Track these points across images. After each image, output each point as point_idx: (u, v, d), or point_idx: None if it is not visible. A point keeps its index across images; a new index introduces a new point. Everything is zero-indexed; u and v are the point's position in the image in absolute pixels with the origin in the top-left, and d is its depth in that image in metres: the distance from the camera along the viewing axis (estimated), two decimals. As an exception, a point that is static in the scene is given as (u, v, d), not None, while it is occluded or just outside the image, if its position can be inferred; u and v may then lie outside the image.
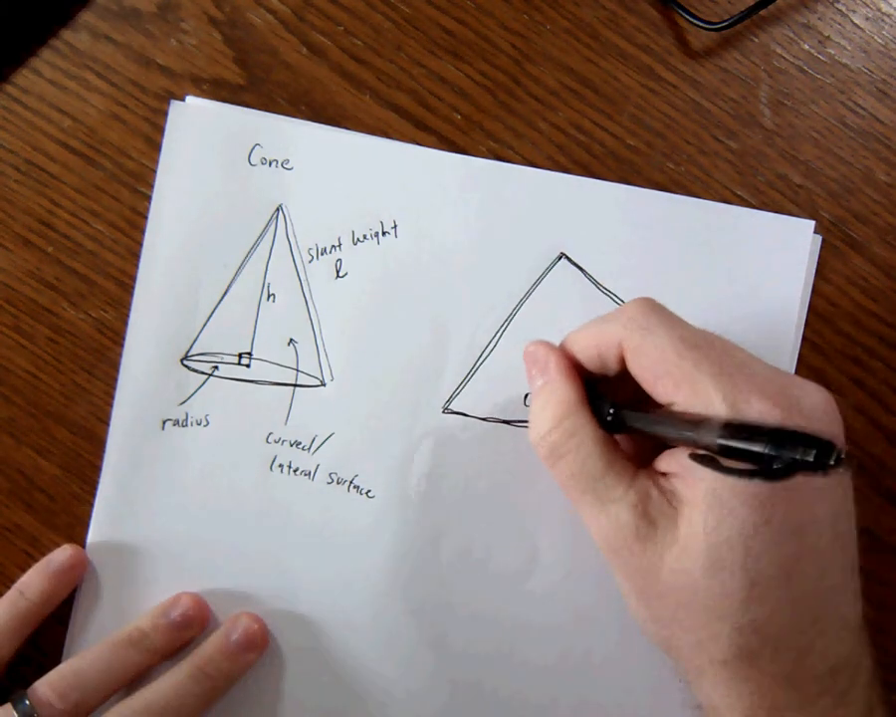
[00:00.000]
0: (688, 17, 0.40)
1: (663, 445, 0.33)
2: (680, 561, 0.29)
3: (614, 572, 0.32)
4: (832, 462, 0.24)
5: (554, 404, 0.33)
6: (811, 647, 0.29)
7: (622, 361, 0.32)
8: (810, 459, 0.24)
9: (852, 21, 0.40)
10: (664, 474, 0.31)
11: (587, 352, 0.33)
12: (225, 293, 0.40)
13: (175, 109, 0.41)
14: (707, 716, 0.32)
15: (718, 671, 0.30)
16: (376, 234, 0.40)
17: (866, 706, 0.30)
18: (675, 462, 0.31)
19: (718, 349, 0.30)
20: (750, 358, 0.31)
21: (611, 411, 0.32)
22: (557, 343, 0.35)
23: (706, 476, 0.29)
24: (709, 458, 0.26)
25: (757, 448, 0.25)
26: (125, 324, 0.40)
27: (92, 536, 0.40)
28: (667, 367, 0.30)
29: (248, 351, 0.40)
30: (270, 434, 0.40)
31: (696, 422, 0.28)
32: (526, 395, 0.40)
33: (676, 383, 0.30)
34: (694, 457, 0.27)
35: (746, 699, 0.30)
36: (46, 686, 0.36)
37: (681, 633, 0.30)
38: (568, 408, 0.32)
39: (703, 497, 0.29)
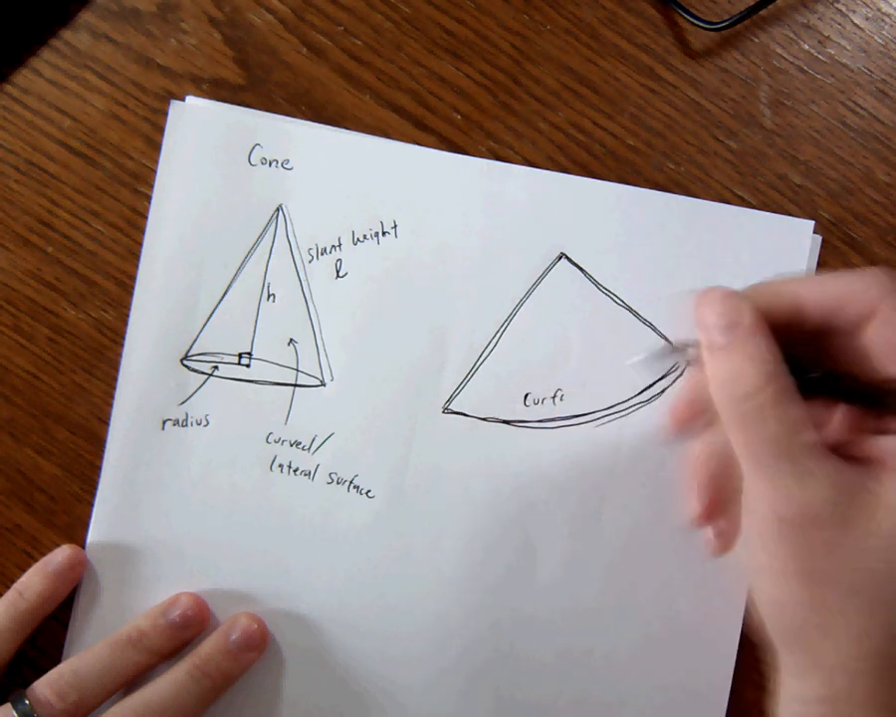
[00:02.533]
0: (688, 17, 0.40)
1: (848, 427, 0.32)
2: (874, 543, 0.28)
3: (775, 548, 0.30)
4: None
5: (759, 361, 0.30)
6: None
7: (857, 325, 0.30)
8: None
9: (852, 21, 0.40)
10: (856, 458, 0.30)
11: (823, 305, 0.31)
12: (225, 293, 0.40)
13: (175, 109, 0.41)
14: (818, 712, 0.30)
15: (869, 661, 0.29)
16: (376, 234, 0.40)
17: None
18: (876, 447, 0.30)
19: None
20: None
21: (816, 375, 0.30)
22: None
23: None
24: None
25: None
26: (125, 324, 0.40)
27: (92, 536, 0.40)
28: None
29: (248, 350, 0.40)
30: (270, 434, 0.40)
31: None
32: (526, 395, 0.40)
33: None
34: None
35: (889, 688, 0.29)
36: (45, 686, 0.36)
37: (842, 620, 0.29)
38: (776, 366, 0.30)
39: None
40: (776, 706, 0.31)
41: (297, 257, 0.40)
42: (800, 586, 0.30)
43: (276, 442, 0.40)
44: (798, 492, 0.29)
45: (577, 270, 0.40)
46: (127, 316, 0.40)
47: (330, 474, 0.40)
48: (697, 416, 0.34)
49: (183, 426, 0.40)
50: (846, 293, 0.30)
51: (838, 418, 0.33)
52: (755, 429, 0.30)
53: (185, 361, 0.40)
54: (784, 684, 0.31)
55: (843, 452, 0.30)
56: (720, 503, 0.34)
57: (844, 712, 0.29)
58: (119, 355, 0.40)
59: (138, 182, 0.41)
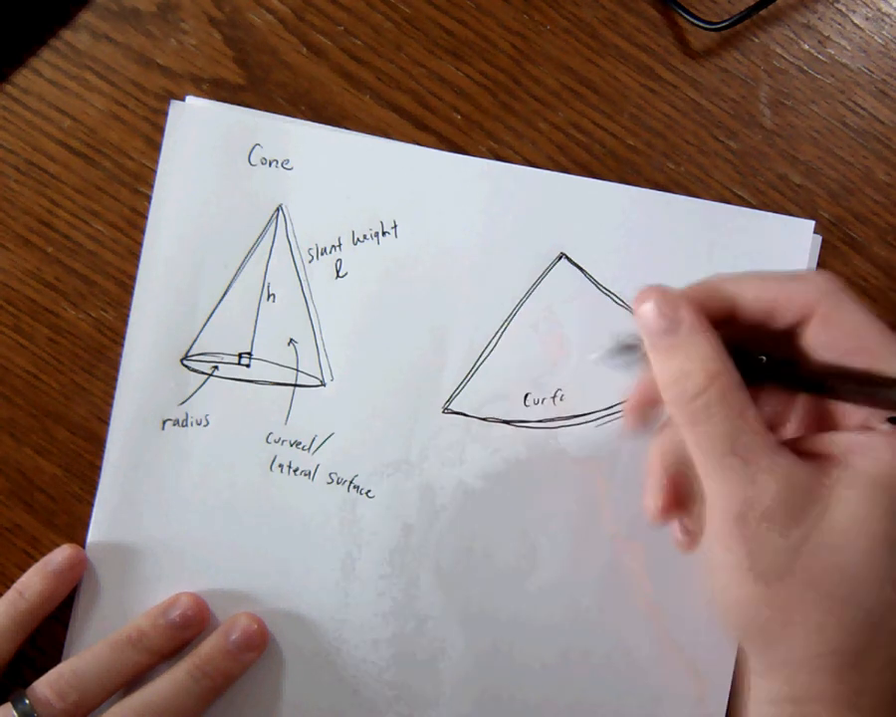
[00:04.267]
0: (688, 17, 0.40)
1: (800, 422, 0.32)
2: (829, 539, 0.28)
3: (732, 547, 0.30)
4: None
5: (702, 359, 0.30)
6: None
7: (796, 324, 0.31)
8: None
9: (852, 21, 0.40)
10: (810, 454, 0.30)
11: (760, 303, 0.31)
12: (225, 293, 0.40)
13: (175, 109, 0.41)
14: (785, 711, 0.30)
15: (831, 659, 0.29)
16: (376, 234, 0.40)
17: None
18: (827, 442, 0.30)
19: None
20: None
21: (763, 359, 0.31)
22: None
23: (872, 456, 0.29)
24: None
25: None
26: (125, 324, 0.40)
27: (92, 536, 0.40)
28: (863, 343, 0.29)
29: (248, 351, 0.40)
30: (270, 434, 0.40)
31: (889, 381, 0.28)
32: (526, 395, 0.40)
33: (874, 357, 0.29)
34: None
35: (852, 688, 0.29)
36: (45, 686, 0.36)
37: (802, 617, 0.29)
38: (720, 365, 0.30)
39: (868, 477, 0.28)
40: (745, 708, 0.31)
41: (297, 257, 0.40)
42: (756, 583, 0.29)
43: (276, 442, 0.40)
44: (749, 488, 0.29)
45: (577, 270, 0.40)
46: (127, 316, 0.40)
47: (330, 474, 0.40)
48: (652, 412, 0.34)
49: (183, 426, 0.40)
50: (783, 295, 0.31)
51: (792, 415, 0.33)
52: (703, 427, 0.30)
53: (185, 361, 0.40)
54: (753, 685, 0.31)
55: (798, 449, 0.30)
56: (679, 500, 0.34)
57: (810, 711, 0.29)
58: (119, 355, 0.40)
59: (138, 182, 0.41)
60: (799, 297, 0.31)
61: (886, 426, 0.30)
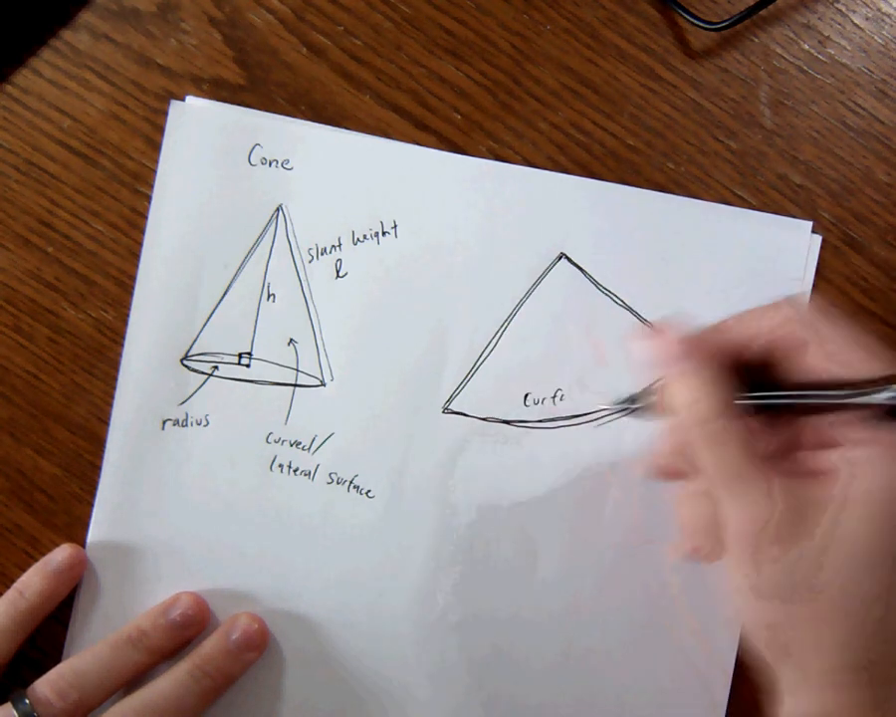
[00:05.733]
0: (688, 17, 0.40)
1: (791, 448, 0.33)
2: (828, 559, 0.29)
3: (741, 569, 0.31)
4: None
5: (717, 389, 0.32)
6: None
7: (778, 354, 0.32)
8: None
9: (852, 21, 0.40)
10: (803, 473, 0.31)
11: (740, 339, 0.33)
12: (225, 293, 0.40)
13: (175, 109, 0.41)
14: None
15: (839, 676, 0.29)
16: (376, 234, 0.40)
17: None
18: (823, 461, 0.31)
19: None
20: None
21: (756, 387, 0.32)
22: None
23: (865, 474, 0.29)
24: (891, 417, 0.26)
25: None
26: (125, 324, 0.40)
27: (92, 536, 0.40)
28: (847, 363, 0.30)
29: (248, 350, 0.40)
30: (270, 434, 0.40)
31: (874, 381, 0.28)
32: (526, 395, 0.40)
33: (853, 372, 0.30)
34: (873, 418, 0.27)
35: (862, 705, 0.29)
36: (45, 685, 0.36)
37: (805, 636, 0.30)
38: (723, 393, 0.32)
39: (863, 495, 0.29)
40: None
41: (297, 257, 0.40)
42: (773, 602, 0.30)
43: (276, 442, 0.40)
44: (755, 510, 0.30)
45: (577, 270, 0.40)
46: (127, 316, 0.40)
47: (330, 474, 0.40)
48: (678, 466, 0.36)
49: (183, 426, 0.40)
50: (762, 327, 0.32)
51: (790, 435, 0.34)
52: (716, 452, 0.31)
53: (185, 361, 0.40)
54: (784, 702, 0.31)
55: (802, 469, 0.31)
56: (706, 538, 0.35)
57: None
58: (119, 355, 0.40)
59: (138, 182, 0.41)
60: (774, 327, 0.32)
61: (872, 434, 0.30)
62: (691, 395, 0.32)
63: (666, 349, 0.33)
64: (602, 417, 0.40)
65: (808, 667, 0.30)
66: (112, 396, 0.40)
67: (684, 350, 0.33)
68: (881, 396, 0.28)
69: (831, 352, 0.31)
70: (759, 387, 0.33)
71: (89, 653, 0.38)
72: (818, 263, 0.40)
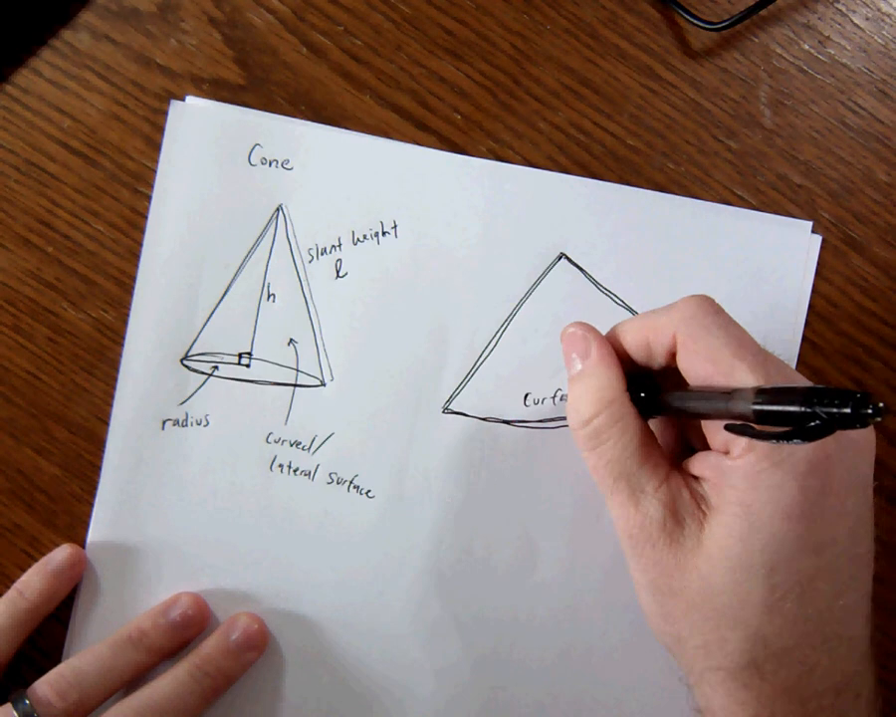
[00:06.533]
0: (688, 17, 0.40)
1: (694, 448, 0.33)
2: (702, 564, 0.30)
3: (631, 564, 0.32)
4: (870, 412, 0.23)
5: (597, 389, 0.32)
6: (818, 664, 0.29)
7: (671, 355, 0.32)
8: (848, 411, 0.23)
9: (852, 21, 0.40)
10: (695, 477, 0.32)
11: (637, 341, 0.33)
12: (225, 293, 0.40)
13: (175, 109, 0.41)
14: None
15: (720, 677, 0.30)
16: (376, 234, 0.40)
17: None
18: (707, 466, 0.31)
19: (771, 358, 0.30)
20: (796, 374, 0.32)
21: (646, 389, 0.33)
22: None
23: (737, 484, 0.29)
24: (745, 427, 0.26)
25: (793, 408, 0.24)
26: (125, 324, 0.40)
27: (92, 536, 0.40)
28: (718, 366, 0.30)
29: (248, 351, 0.40)
30: (270, 434, 0.40)
31: (730, 393, 0.28)
32: (526, 395, 0.40)
33: (727, 378, 0.30)
34: (730, 428, 0.26)
35: (746, 708, 0.30)
36: (45, 685, 0.36)
37: (688, 634, 0.31)
38: (613, 394, 0.32)
39: (734, 505, 0.29)
40: None
41: (297, 257, 0.40)
42: (652, 599, 0.32)
43: (276, 442, 0.40)
44: (634, 512, 0.31)
45: (577, 270, 0.40)
46: (127, 316, 0.40)
47: (330, 474, 0.40)
48: None
49: (183, 426, 0.40)
50: (651, 330, 0.32)
51: (679, 437, 0.35)
52: (596, 452, 0.32)
53: (185, 361, 0.40)
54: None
55: (689, 471, 0.32)
56: None
57: None
58: (119, 355, 0.40)
59: (138, 182, 0.41)
60: (666, 327, 0.32)
61: (738, 443, 0.30)
62: (578, 396, 0.33)
63: (570, 348, 0.34)
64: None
65: (688, 663, 0.31)
66: (112, 396, 0.40)
67: (584, 349, 0.33)
68: (734, 407, 0.27)
69: (700, 356, 0.31)
70: (655, 390, 0.33)
71: (89, 653, 0.38)
72: (818, 263, 0.40)
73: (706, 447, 0.32)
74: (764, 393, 0.26)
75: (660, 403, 0.33)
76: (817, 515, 0.29)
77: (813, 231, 0.40)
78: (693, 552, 0.30)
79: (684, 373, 0.31)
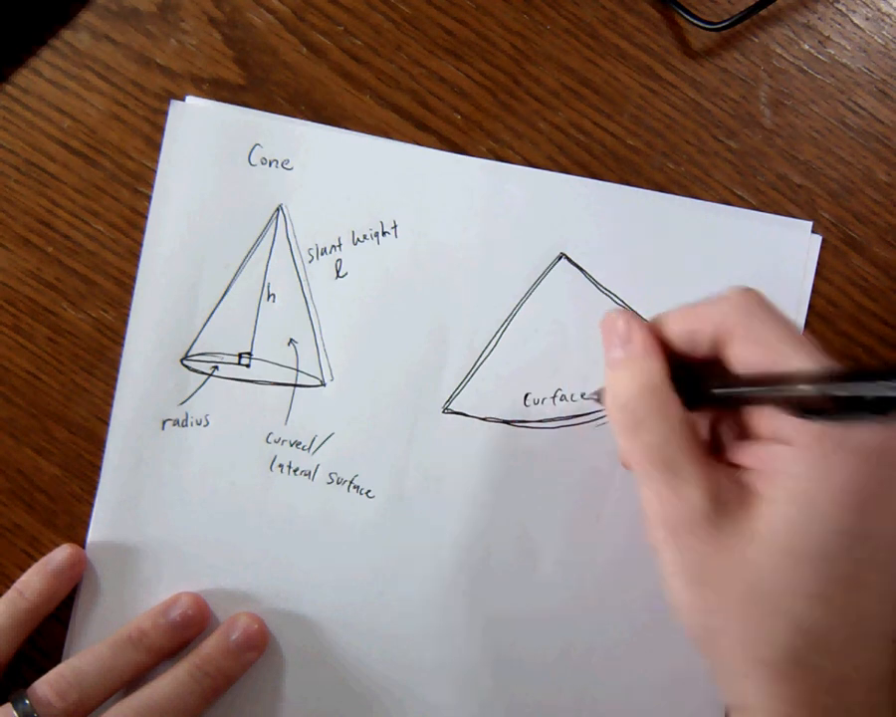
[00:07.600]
0: (688, 17, 0.40)
1: (737, 437, 0.32)
2: (751, 552, 0.29)
3: (664, 554, 0.31)
4: None
5: (640, 374, 0.32)
6: (858, 657, 0.29)
7: (717, 345, 0.32)
8: None
9: (852, 21, 0.40)
10: (738, 466, 0.31)
11: (681, 330, 0.33)
12: (225, 293, 0.40)
13: (175, 109, 0.41)
14: (736, 715, 0.31)
15: (761, 669, 0.29)
16: (376, 234, 0.40)
17: None
18: (755, 454, 0.31)
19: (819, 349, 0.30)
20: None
21: (688, 379, 0.32)
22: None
23: (796, 472, 0.29)
24: (819, 409, 0.26)
25: (868, 386, 0.24)
26: (125, 324, 0.40)
27: (92, 536, 0.40)
28: (774, 358, 0.30)
29: (248, 351, 0.40)
30: (270, 434, 0.40)
31: (794, 377, 0.27)
32: (526, 395, 0.40)
33: (785, 366, 0.29)
34: (802, 411, 0.26)
35: (786, 702, 0.29)
36: (45, 685, 0.36)
37: (727, 626, 0.30)
38: (655, 380, 0.32)
39: (790, 492, 0.29)
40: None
41: (297, 257, 0.40)
42: (688, 591, 0.30)
43: (276, 442, 0.40)
44: (676, 499, 0.30)
45: (577, 270, 0.40)
46: (127, 316, 0.40)
47: (330, 474, 0.40)
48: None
49: (183, 426, 0.40)
50: (698, 322, 0.32)
51: (727, 426, 0.34)
52: (636, 436, 0.31)
53: (185, 361, 0.40)
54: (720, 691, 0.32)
55: (733, 461, 0.31)
56: None
57: None
58: (119, 355, 0.40)
59: (138, 182, 0.41)
60: (715, 318, 0.32)
61: (798, 429, 0.29)
62: (620, 381, 0.32)
63: (610, 334, 0.33)
64: (602, 417, 0.40)
65: (725, 657, 0.30)
66: (112, 396, 0.40)
67: (626, 335, 0.33)
68: (796, 391, 0.27)
69: (756, 345, 0.30)
70: (696, 380, 0.32)
71: (89, 653, 0.38)
72: (818, 263, 0.40)
73: (741, 439, 0.32)
74: (836, 375, 0.26)
75: (704, 392, 0.32)
76: (878, 505, 0.28)
77: (813, 231, 0.40)
78: (739, 540, 0.29)
79: (735, 362, 0.31)
